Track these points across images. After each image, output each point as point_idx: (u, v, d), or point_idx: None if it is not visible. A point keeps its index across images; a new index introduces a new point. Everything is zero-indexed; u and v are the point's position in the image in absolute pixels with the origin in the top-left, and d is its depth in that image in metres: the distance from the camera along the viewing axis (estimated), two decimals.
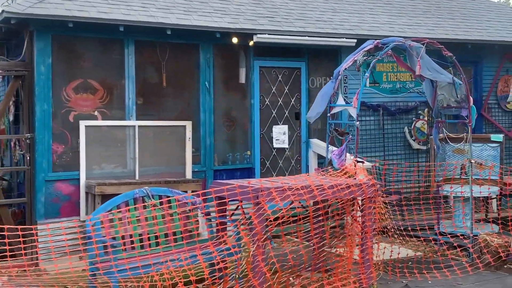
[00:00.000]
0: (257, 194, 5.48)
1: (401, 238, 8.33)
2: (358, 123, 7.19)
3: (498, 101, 12.02)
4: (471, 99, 7.60)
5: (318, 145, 9.83)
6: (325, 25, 10.00)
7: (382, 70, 10.76)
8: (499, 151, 8.71)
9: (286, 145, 9.86)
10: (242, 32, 9.03)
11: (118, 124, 8.44)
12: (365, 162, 9.16)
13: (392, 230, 7.55)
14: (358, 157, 7.17)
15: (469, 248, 7.38)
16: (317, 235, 6.43)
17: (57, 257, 5.65)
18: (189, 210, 6.19)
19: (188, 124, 8.86)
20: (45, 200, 7.93)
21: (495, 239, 7.13)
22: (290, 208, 5.91)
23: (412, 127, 10.97)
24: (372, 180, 6.08)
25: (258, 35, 9.02)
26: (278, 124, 9.82)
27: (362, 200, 6.04)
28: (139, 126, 8.50)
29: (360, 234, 6.05)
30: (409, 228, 8.70)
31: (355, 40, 9.83)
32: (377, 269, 6.93)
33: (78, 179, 8.09)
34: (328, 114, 7.60)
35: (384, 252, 7.19)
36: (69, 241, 5.63)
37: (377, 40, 7.37)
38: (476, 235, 7.38)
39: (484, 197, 8.88)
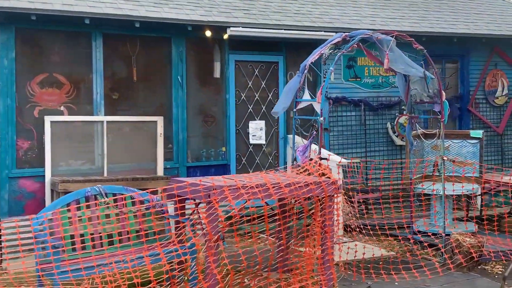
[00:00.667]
0: (209, 193, 5.26)
1: (376, 237, 8.15)
2: (322, 118, 6.93)
3: (486, 96, 11.73)
4: (444, 94, 7.33)
5: (297, 141, 9.58)
6: (303, 18, 9.75)
7: (364, 64, 10.49)
8: (479, 147, 8.44)
9: (263, 141, 9.63)
10: (215, 25, 8.79)
11: (86, 120, 8.23)
12: (341, 159, 8.94)
13: (359, 228, 7.34)
14: (330, 153, 6.89)
15: (440, 248, 7.12)
16: (275, 234, 6.23)
17: (11, 257, 5.49)
18: (145, 208, 5.97)
19: (160, 120, 8.64)
20: (8, 197, 7.74)
21: (468, 239, 6.88)
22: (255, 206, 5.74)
23: (395, 122, 10.71)
24: (333, 178, 5.84)
25: (232, 28, 8.78)
26: (255, 120, 9.59)
27: (322, 198, 5.80)
28: (107, 122, 8.29)
29: (320, 234, 5.81)
30: (386, 227, 8.51)
31: (334, 34, 9.54)
32: (345, 269, 6.71)
33: (43, 176, 7.88)
34: (294, 109, 7.34)
35: (356, 252, 6.97)
36: (25, 240, 5.46)
37: (345, 33, 7.11)
38: (449, 235, 7.13)
39: (467, 195, 8.62)
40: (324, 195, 5.78)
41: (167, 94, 8.88)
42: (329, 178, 5.85)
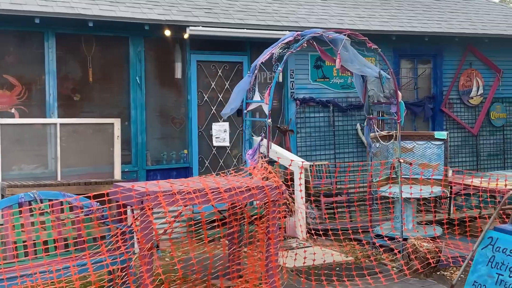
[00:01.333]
0: (142, 199, 5.03)
1: (339, 242, 7.92)
2: (269, 121, 6.68)
3: (460, 96, 11.52)
4: (400, 94, 7.10)
5: (262, 144, 9.36)
6: (268, 17, 9.52)
7: (333, 64, 10.13)
8: (443, 149, 8.22)
9: (227, 143, 9.38)
10: (174, 24, 8.56)
11: (38, 122, 7.97)
12: (304, 162, 8.73)
13: (323, 232, 7.12)
14: (270, 158, 6.67)
15: (396, 253, 6.90)
16: (227, 240, 6.00)
17: None
18: (85, 214, 5.73)
19: (117, 122, 8.39)
20: None
21: (425, 244, 6.66)
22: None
23: (365, 124, 10.46)
24: (277, 182, 5.61)
25: (191, 28, 8.56)
26: (219, 121, 9.35)
27: (265, 203, 5.58)
28: (61, 124, 8.03)
29: (263, 240, 5.58)
30: (350, 231, 8.28)
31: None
32: (298, 275, 6.49)
33: None
34: (245, 111, 7.11)
35: (315, 257, 6.77)
36: None
37: (297, 32, 6.87)
38: (406, 239, 6.90)
39: (435, 198, 8.42)
40: (267, 200, 5.55)
41: (125, 95, 8.64)
42: (274, 182, 5.62)
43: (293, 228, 8.62)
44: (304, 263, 6.63)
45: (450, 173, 10.31)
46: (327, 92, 10.22)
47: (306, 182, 9.66)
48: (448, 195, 8.87)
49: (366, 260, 7.24)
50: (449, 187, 8.58)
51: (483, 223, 7.93)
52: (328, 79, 10.26)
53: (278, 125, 9.59)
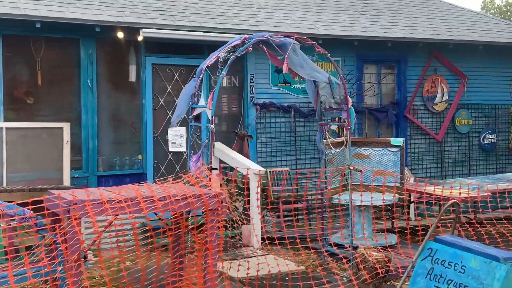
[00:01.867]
0: (68, 208, 4.80)
1: (295, 251, 7.75)
2: (212, 126, 6.50)
3: (424, 102, 11.42)
4: (350, 100, 6.96)
5: (220, 149, 9.17)
6: (226, 20, 9.34)
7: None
8: (399, 156, 8.08)
9: (183, 149, 9.11)
10: (126, 26, 8.35)
11: None
12: (261, 169, 8.55)
13: (278, 240, 6.91)
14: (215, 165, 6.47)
15: (344, 263, 6.74)
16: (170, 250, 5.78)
17: None
18: (18, 222, 5.48)
19: (66, 126, 8.15)
20: None
21: (374, 254, 6.49)
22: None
23: (327, 129, 10.31)
24: (216, 190, 5.41)
25: (144, 30, 8.34)
26: (175, 126, 9.12)
27: (203, 212, 5.37)
28: (7, 128, 7.78)
29: (202, 251, 5.38)
30: (308, 239, 8.10)
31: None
32: (244, 285, 6.29)
33: None
34: (190, 116, 6.90)
35: (265, 267, 6.57)
36: None
37: (245, 36, 6.70)
38: (356, 248, 6.74)
39: (389, 205, 8.26)
40: (205, 209, 5.34)
41: (76, 98, 8.41)
42: (213, 190, 5.42)
43: (248, 237, 8.43)
44: (247, 273, 6.44)
45: (412, 180, 10.22)
46: (288, 97, 10.06)
47: (266, 189, 9.52)
48: (407, 203, 8.75)
49: (317, 270, 7.06)
50: (409, 194, 8.46)
51: (440, 232, 7.81)
52: (289, 84, 10.10)
53: (236, 131, 9.41)
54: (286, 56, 6.42)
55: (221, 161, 9.17)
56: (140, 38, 8.51)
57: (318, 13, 10.80)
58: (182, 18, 8.89)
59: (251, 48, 6.54)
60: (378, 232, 8.18)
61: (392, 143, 8.11)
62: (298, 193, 9.29)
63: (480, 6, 33.68)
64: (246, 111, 9.71)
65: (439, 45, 11.25)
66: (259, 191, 8.19)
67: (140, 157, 8.89)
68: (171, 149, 9.06)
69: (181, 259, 5.93)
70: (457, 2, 14.91)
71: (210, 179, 5.63)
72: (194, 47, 9.19)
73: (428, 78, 11.42)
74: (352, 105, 10.43)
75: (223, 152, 9.08)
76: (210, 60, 6.56)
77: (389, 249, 6.80)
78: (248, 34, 9.13)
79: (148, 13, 8.73)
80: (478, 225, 7.58)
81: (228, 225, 7.09)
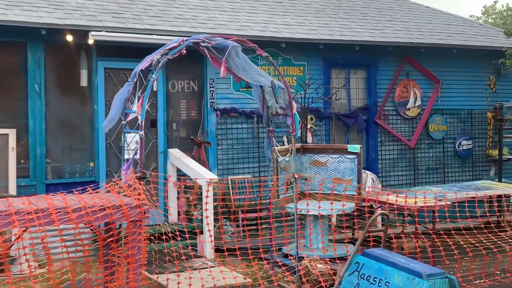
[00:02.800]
0: None
1: (248, 262, 7.44)
2: (142, 133, 6.20)
3: (396, 108, 11.10)
4: (295, 105, 6.65)
5: (176, 156, 8.88)
6: (183, 23, 9.05)
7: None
8: (357, 163, 7.76)
9: (138, 156, 8.84)
10: (75, 29, 8.07)
11: None
12: (213, 176, 8.24)
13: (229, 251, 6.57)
14: (142, 171, 6.16)
15: (286, 276, 6.41)
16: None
17: None
18: None
19: (12, 132, 7.86)
20: None
21: (319, 266, 6.17)
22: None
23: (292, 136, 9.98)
24: (138, 200, 5.10)
25: (93, 33, 8.06)
26: (130, 133, 8.81)
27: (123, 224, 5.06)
28: None
29: (123, 264, 5.07)
30: (261, 250, 7.77)
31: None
32: None
33: None
34: (123, 122, 6.59)
35: (216, 280, 6.27)
36: None
37: (182, 38, 6.40)
38: (302, 259, 6.42)
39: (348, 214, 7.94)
40: (126, 220, 5.03)
41: (22, 104, 8.11)
42: (135, 200, 5.11)
43: (202, 247, 8.12)
44: (190, 285, 6.13)
45: (379, 187, 9.89)
46: (251, 102, 9.73)
47: (227, 198, 9.22)
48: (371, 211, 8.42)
49: (264, 283, 6.74)
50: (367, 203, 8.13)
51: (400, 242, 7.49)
52: (252, 89, 9.77)
53: (192, 137, 9.10)
54: (223, 60, 6.11)
55: (179, 168, 8.90)
56: (90, 42, 8.22)
57: (284, 16, 10.51)
58: (135, 21, 8.61)
59: (184, 51, 6.23)
60: (340, 242, 7.86)
61: (349, 150, 7.79)
62: (262, 201, 8.97)
63: (481, 11, 33.32)
64: (206, 116, 9.40)
65: (411, 48, 10.94)
66: (210, 201, 7.89)
67: (92, 164, 8.59)
68: (125, 156, 8.78)
69: (112, 271, 5.63)
70: (456, 5, 14.61)
71: (136, 189, 5.33)
72: (150, 51, 8.83)
73: (400, 82, 11.11)
74: (320, 110, 10.25)
75: (179, 159, 8.79)
76: (144, 63, 6.27)
77: (337, 261, 6.46)
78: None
79: (100, 15, 8.44)
80: (434, 236, 7.24)
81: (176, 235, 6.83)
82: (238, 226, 8.94)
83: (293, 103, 6.60)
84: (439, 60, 11.39)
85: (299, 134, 7.09)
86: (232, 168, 9.57)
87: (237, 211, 8.89)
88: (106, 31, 8.12)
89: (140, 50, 8.79)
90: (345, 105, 10.76)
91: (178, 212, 8.92)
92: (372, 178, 10.12)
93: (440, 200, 7.45)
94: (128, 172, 5.95)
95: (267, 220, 8.72)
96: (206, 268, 7.41)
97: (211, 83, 9.38)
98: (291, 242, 7.96)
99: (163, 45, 8.65)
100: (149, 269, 7.22)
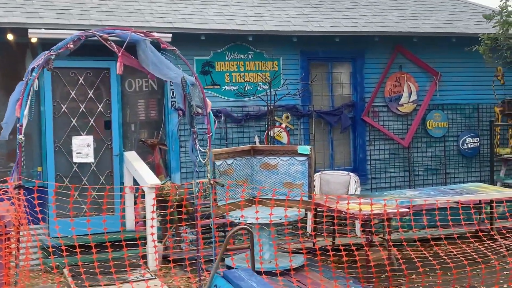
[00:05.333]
0: None
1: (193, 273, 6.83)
2: (21, 136, 5.63)
3: (387, 104, 10.18)
4: (209, 103, 5.95)
5: (129, 160, 8.34)
6: (137, 18, 8.52)
7: (224, 70, 9.16)
8: (307, 166, 6.98)
9: (91, 159, 8.35)
10: (14, 27, 7.67)
11: None
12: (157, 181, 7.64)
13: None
14: (24, 178, 5.62)
15: None
16: None
17: None
18: None
19: None
20: None
21: None
22: None
23: (265, 135, 9.28)
24: (9, 212, 4.58)
25: (31, 31, 7.62)
26: (81, 135, 8.36)
27: None
28: None
29: None
30: (202, 260, 7.13)
31: (170, 34, 8.31)
32: None
33: None
34: (18, 125, 6.04)
35: None
36: None
37: (82, 33, 5.82)
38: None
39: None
40: None
41: None
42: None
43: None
44: None
45: (359, 191, 9.05)
46: (218, 101, 9.10)
47: (188, 204, 8.61)
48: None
49: None
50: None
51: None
52: (219, 86, 9.16)
53: (142, 139, 8.55)
54: (119, 54, 5.51)
55: None
56: (34, 40, 7.80)
57: (259, 7, 9.80)
58: (82, 17, 8.14)
59: (71, 45, 5.66)
60: (281, 252, 7.11)
61: (299, 152, 7.03)
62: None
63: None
64: (167, 117, 8.82)
65: (402, 38, 10.02)
66: (154, 209, 7.32)
67: (39, 169, 8.17)
68: (76, 160, 8.32)
69: None
70: None
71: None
72: (103, 48, 8.30)
73: (391, 76, 10.19)
74: (298, 108, 9.49)
75: (130, 163, 8.26)
76: (38, 60, 5.74)
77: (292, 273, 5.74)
78: (158, 32, 8.34)
79: (44, 12, 8.02)
80: (392, 247, 6.38)
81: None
82: (196, 233, 8.32)
83: (208, 101, 5.92)
84: (437, 50, 10.40)
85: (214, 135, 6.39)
86: (198, 171, 8.93)
87: (192, 218, 8.25)
88: (45, 28, 7.68)
89: (91, 47, 8.27)
90: (328, 102, 9.93)
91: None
92: (355, 181, 9.28)
93: (401, 207, 6.59)
94: (13, 178, 5.44)
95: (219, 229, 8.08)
96: (142, 281, 6.84)
97: (172, 82, 8.78)
98: (241, 253, 7.29)
99: (118, 42, 8.21)
100: (77, 282, 6.74)
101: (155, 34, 5.93)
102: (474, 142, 10.76)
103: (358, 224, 8.42)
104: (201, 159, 5.94)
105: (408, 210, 6.49)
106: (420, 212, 6.63)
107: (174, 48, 5.86)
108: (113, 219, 7.76)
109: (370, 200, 6.43)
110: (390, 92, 10.17)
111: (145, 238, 7.78)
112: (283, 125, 9.43)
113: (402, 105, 10.26)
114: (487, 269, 6.39)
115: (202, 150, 5.87)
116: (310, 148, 6.97)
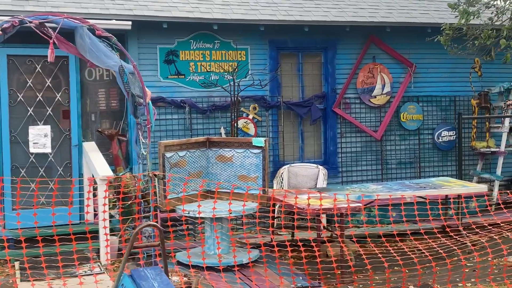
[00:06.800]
0: None
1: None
2: None
3: (359, 95, 9.94)
4: (149, 92, 5.75)
5: (86, 150, 8.13)
6: (97, 4, 8.30)
7: (189, 59, 8.94)
8: (261, 158, 6.78)
9: (48, 150, 8.15)
10: None
11: None
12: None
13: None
14: None
15: None
16: None
17: None
18: None
19: None
20: None
21: (174, 279, 5.29)
22: None
23: (231, 127, 9.06)
24: None
25: None
26: (38, 125, 8.15)
27: None
28: None
29: None
30: (157, 252, 6.94)
31: (130, 22, 8.09)
32: None
33: None
34: None
35: None
36: None
37: (12, 19, 5.60)
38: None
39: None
40: None
41: None
42: None
43: (113, 250, 7.36)
44: None
45: (325, 184, 8.86)
46: (182, 91, 8.90)
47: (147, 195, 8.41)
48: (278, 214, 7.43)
49: None
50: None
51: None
52: (183, 76, 8.93)
53: (99, 129, 8.34)
54: (51, 41, 5.29)
55: None
56: None
57: None
58: (37, 3, 7.92)
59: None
60: (238, 246, 6.92)
61: (253, 144, 6.82)
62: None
63: None
64: (129, 107, 8.60)
65: (375, 28, 9.77)
66: (106, 202, 7.14)
67: None
68: (32, 150, 8.12)
69: None
70: None
71: None
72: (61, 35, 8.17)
73: (364, 67, 9.94)
74: (266, 99, 9.26)
75: (87, 154, 8.05)
76: None
77: (206, 272, 5.54)
78: (116, 19, 8.15)
79: None
80: (342, 243, 6.18)
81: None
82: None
83: (147, 90, 5.71)
84: (412, 41, 10.14)
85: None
86: (142, 163, 8.72)
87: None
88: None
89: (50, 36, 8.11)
90: (297, 93, 9.70)
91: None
92: (323, 174, 9.10)
93: (353, 202, 6.37)
94: None
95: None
96: (90, 275, 6.65)
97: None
98: (194, 247, 7.11)
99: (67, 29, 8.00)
100: (24, 276, 6.56)
101: (90, 21, 5.70)
102: (450, 136, 10.53)
103: (323, 219, 8.23)
104: (143, 151, 5.72)
105: (360, 205, 6.28)
106: (386, 207, 6.44)
107: (110, 35, 5.65)
108: (72, 211, 7.58)
109: (320, 195, 6.24)
110: (363, 84, 9.93)
111: (111, 230, 7.60)
112: (250, 116, 9.21)
113: (375, 97, 10.02)
114: (445, 266, 6.21)
115: (144, 141, 5.66)
116: (265, 140, 6.76)
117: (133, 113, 5.97)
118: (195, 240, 7.87)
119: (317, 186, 8.85)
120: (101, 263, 7.20)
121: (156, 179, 5.81)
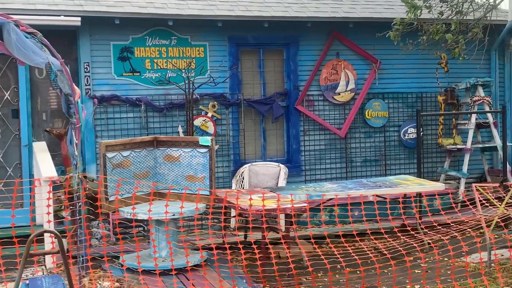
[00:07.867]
0: None
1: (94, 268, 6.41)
2: None
3: (322, 92, 9.75)
4: (77, 90, 5.53)
5: (35, 151, 7.91)
6: (44, 0, 8.05)
7: (144, 56, 8.71)
8: (208, 158, 6.57)
9: None
10: None
11: None
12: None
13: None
14: None
15: None
16: None
17: None
18: None
19: None
20: None
21: (104, 284, 5.08)
22: None
23: (189, 125, 8.84)
24: None
25: None
26: None
27: None
28: None
29: None
30: (105, 258, 6.72)
31: (79, 18, 7.87)
32: None
33: None
34: None
35: None
36: None
37: None
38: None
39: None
40: None
41: None
42: None
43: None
44: None
45: (284, 183, 8.67)
46: (137, 89, 8.68)
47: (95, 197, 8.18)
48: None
49: None
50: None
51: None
52: (139, 73, 8.71)
53: (47, 129, 8.11)
54: None
55: None
56: None
57: None
58: None
59: None
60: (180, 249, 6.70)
61: (200, 143, 6.61)
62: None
63: None
64: (62, 105, 8.37)
65: (337, 24, 9.58)
66: (51, 203, 6.90)
67: None
68: None
69: None
70: None
71: None
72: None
73: (327, 63, 9.75)
74: (225, 96, 9.05)
75: (35, 154, 7.83)
76: None
77: (142, 277, 5.33)
78: (65, 15, 7.92)
79: None
80: (285, 245, 5.99)
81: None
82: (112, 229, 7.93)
83: (76, 88, 5.49)
84: (377, 37, 9.91)
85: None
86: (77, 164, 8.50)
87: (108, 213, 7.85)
88: None
89: None
90: (259, 90, 9.50)
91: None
92: (284, 173, 8.89)
93: (298, 202, 6.18)
94: None
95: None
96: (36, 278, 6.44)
97: (86, 68, 8.35)
98: (141, 250, 6.89)
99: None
100: None
101: (14, 17, 5.44)
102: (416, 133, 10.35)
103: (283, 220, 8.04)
104: (75, 151, 5.50)
105: (305, 205, 6.09)
106: (345, 207, 6.24)
107: (35, 31, 5.41)
108: (22, 213, 7.35)
109: (263, 194, 6.05)
110: (326, 80, 9.75)
111: (62, 232, 7.38)
112: (210, 115, 9.00)
113: (339, 93, 9.84)
114: (397, 266, 6.04)
115: (76, 141, 5.44)
116: (212, 139, 6.55)
117: (66, 112, 5.75)
118: (149, 243, 7.66)
119: (278, 185, 8.66)
120: (45, 267, 6.99)
121: (87, 181, 5.58)
